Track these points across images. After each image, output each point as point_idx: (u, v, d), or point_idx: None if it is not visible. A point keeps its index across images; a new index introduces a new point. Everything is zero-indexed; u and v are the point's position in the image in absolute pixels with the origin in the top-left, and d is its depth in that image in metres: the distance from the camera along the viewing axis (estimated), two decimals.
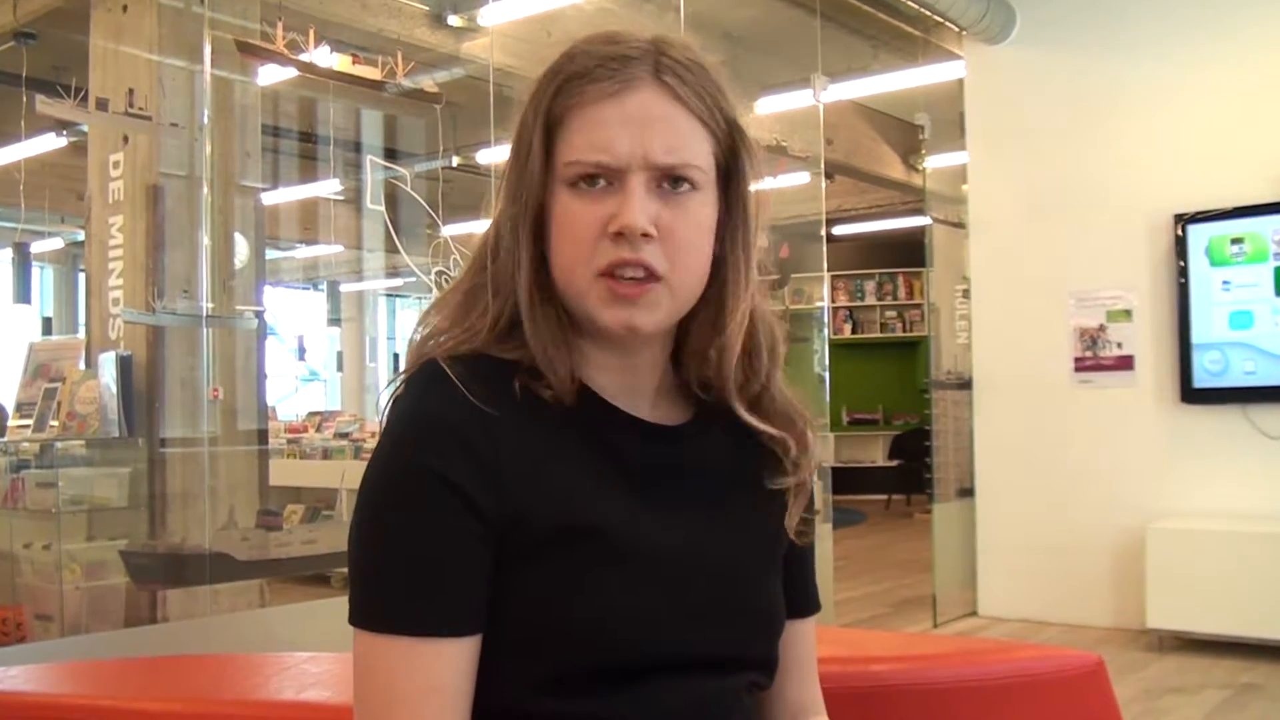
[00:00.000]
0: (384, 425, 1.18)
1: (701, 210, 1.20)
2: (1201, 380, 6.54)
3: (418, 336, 1.25)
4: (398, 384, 1.21)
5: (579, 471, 1.18)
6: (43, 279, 13.86)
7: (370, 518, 1.14)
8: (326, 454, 8.55)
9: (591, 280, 1.16)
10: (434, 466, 1.11)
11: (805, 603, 1.39)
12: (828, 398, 7.79)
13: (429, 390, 1.16)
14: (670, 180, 1.17)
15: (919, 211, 9.50)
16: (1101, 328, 6.96)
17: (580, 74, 1.17)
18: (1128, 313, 6.87)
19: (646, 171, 1.16)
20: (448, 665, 1.11)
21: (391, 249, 7.81)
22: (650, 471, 1.23)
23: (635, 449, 1.23)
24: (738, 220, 1.24)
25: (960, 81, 7.67)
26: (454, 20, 6.73)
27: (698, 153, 1.19)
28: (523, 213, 1.19)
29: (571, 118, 1.17)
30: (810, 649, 1.40)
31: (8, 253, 10.59)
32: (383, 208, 5.47)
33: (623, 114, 1.16)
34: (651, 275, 1.16)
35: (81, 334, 5.81)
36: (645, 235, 1.14)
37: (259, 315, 5.50)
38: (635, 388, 1.26)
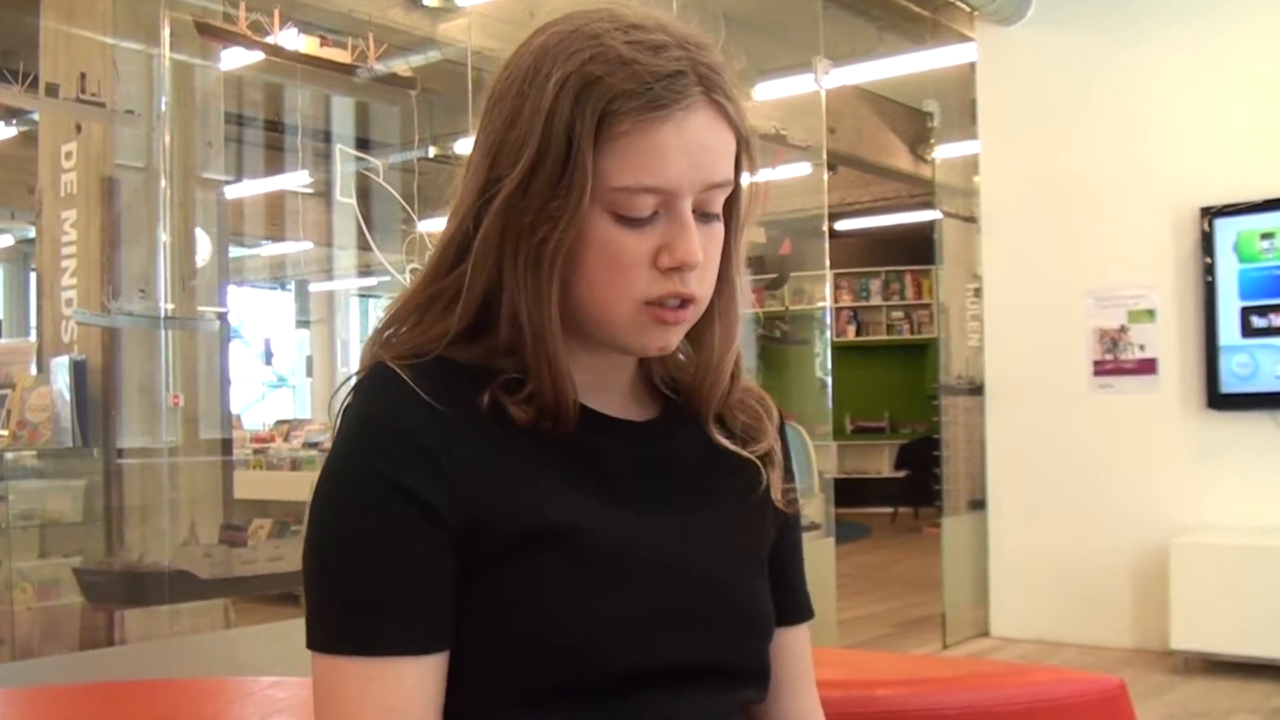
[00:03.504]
0: (335, 434, 1.18)
1: (721, 232, 1.23)
2: (1229, 385, 6.55)
3: (372, 341, 1.24)
4: (347, 390, 1.20)
5: (544, 471, 1.18)
6: None
7: (321, 531, 1.14)
8: (295, 465, 8.55)
9: (634, 310, 1.17)
10: (386, 472, 1.11)
11: (796, 609, 1.39)
12: (830, 404, 7.80)
13: (379, 392, 1.16)
14: (703, 214, 1.18)
15: (928, 205, 9.49)
16: (1122, 329, 6.97)
17: (634, 93, 1.13)
18: (1150, 313, 6.89)
19: (693, 196, 1.16)
20: (411, 686, 1.10)
21: (364, 246, 7.81)
22: (622, 470, 1.23)
23: (607, 447, 1.23)
24: (731, 239, 1.26)
25: (972, 65, 7.69)
26: (429, 0, 6.73)
27: (732, 171, 1.21)
28: (562, 236, 1.15)
29: (626, 140, 1.14)
30: (805, 658, 1.40)
31: None
32: (354, 201, 5.48)
33: (682, 140, 1.15)
34: (689, 300, 1.18)
35: (32, 337, 5.81)
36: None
37: (222, 317, 5.50)
38: (607, 384, 1.26)
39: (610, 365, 1.26)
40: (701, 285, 1.19)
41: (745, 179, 1.25)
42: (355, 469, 1.13)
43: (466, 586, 1.14)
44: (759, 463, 1.32)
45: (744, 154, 1.22)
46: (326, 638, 1.12)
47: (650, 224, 1.15)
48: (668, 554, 1.21)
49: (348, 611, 1.11)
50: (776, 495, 1.32)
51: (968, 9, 7.36)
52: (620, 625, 1.15)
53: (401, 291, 1.27)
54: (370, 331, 1.27)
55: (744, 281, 1.29)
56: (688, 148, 1.15)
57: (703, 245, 1.17)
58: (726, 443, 1.31)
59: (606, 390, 1.26)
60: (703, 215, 1.18)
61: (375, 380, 1.17)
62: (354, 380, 1.20)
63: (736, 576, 1.28)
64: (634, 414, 1.28)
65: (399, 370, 1.15)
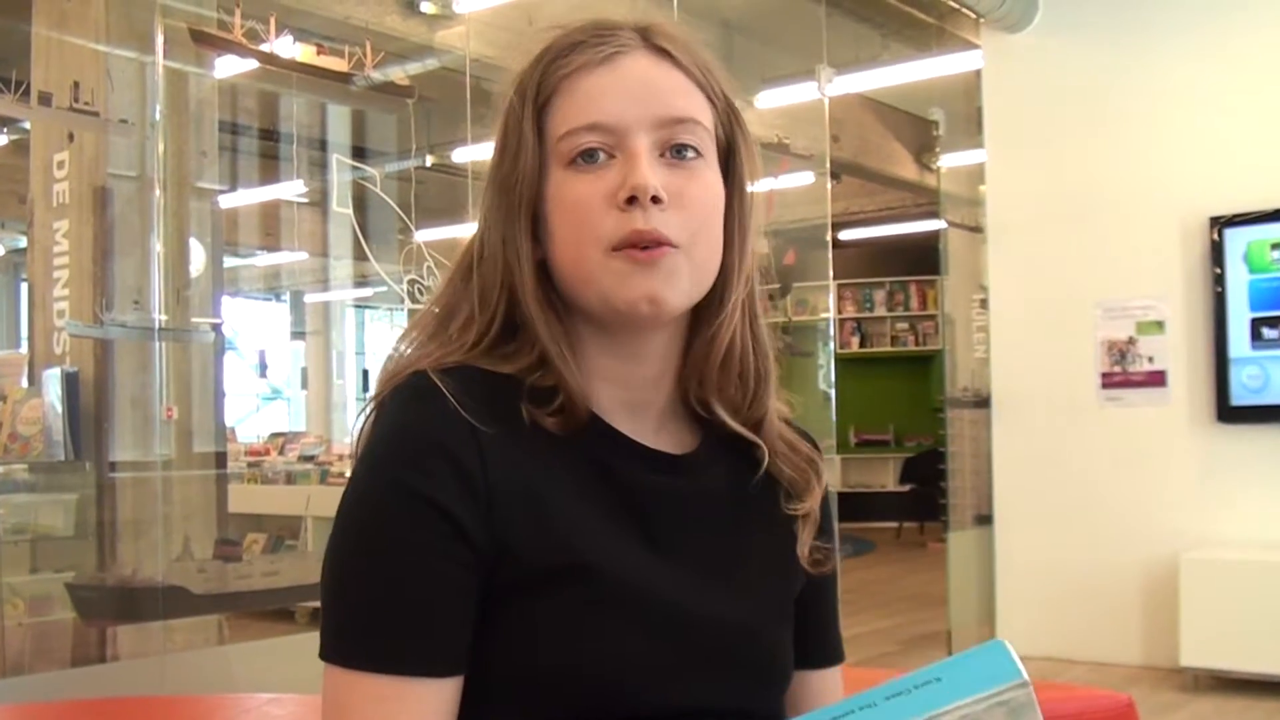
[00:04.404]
0: (363, 443, 1.16)
1: (711, 179, 1.21)
2: (1239, 397, 6.54)
3: (394, 356, 1.23)
4: (379, 400, 1.18)
5: (578, 503, 1.16)
6: None
7: (347, 542, 1.12)
8: (290, 478, 8.55)
9: (605, 259, 1.14)
10: (420, 487, 1.09)
11: (826, 652, 1.37)
12: (834, 417, 7.79)
13: (416, 403, 1.13)
14: (674, 150, 1.17)
15: (933, 215, 9.51)
16: (1131, 340, 6.97)
17: (566, 48, 1.19)
18: (1159, 324, 6.88)
19: (650, 135, 1.16)
20: (428, 708, 1.08)
21: (360, 256, 7.83)
22: (655, 506, 1.21)
23: (640, 480, 1.21)
24: (735, 206, 1.24)
25: (978, 73, 7.68)
26: (427, 7, 6.73)
27: (701, 114, 1.20)
28: (518, 203, 1.18)
29: (562, 91, 1.18)
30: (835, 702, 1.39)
31: None
32: (350, 211, 5.48)
33: (618, 79, 1.17)
34: (667, 243, 1.15)
35: (24, 349, 5.80)
36: (656, 200, 1.13)
37: (216, 328, 5.51)
38: (641, 404, 1.24)
39: (643, 378, 1.24)
40: (673, 226, 1.15)
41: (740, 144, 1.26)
42: (388, 480, 1.11)
43: (485, 613, 1.12)
44: (792, 515, 1.30)
45: (712, 101, 1.23)
46: (343, 651, 1.09)
47: (606, 167, 1.16)
48: (691, 599, 1.19)
49: (368, 626, 1.09)
50: (803, 553, 1.29)
51: (973, 16, 7.37)
52: (638, 668, 1.14)
53: (424, 302, 1.28)
54: (381, 340, 1.26)
55: (741, 256, 1.24)
56: (627, 85, 1.17)
57: (677, 185, 1.16)
58: (749, 433, 1.28)
59: (643, 412, 1.25)
60: (674, 151, 1.18)
61: (412, 389, 1.15)
62: (384, 392, 1.18)
63: (760, 624, 1.25)
64: (670, 443, 1.26)
65: (439, 381, 1.13)
